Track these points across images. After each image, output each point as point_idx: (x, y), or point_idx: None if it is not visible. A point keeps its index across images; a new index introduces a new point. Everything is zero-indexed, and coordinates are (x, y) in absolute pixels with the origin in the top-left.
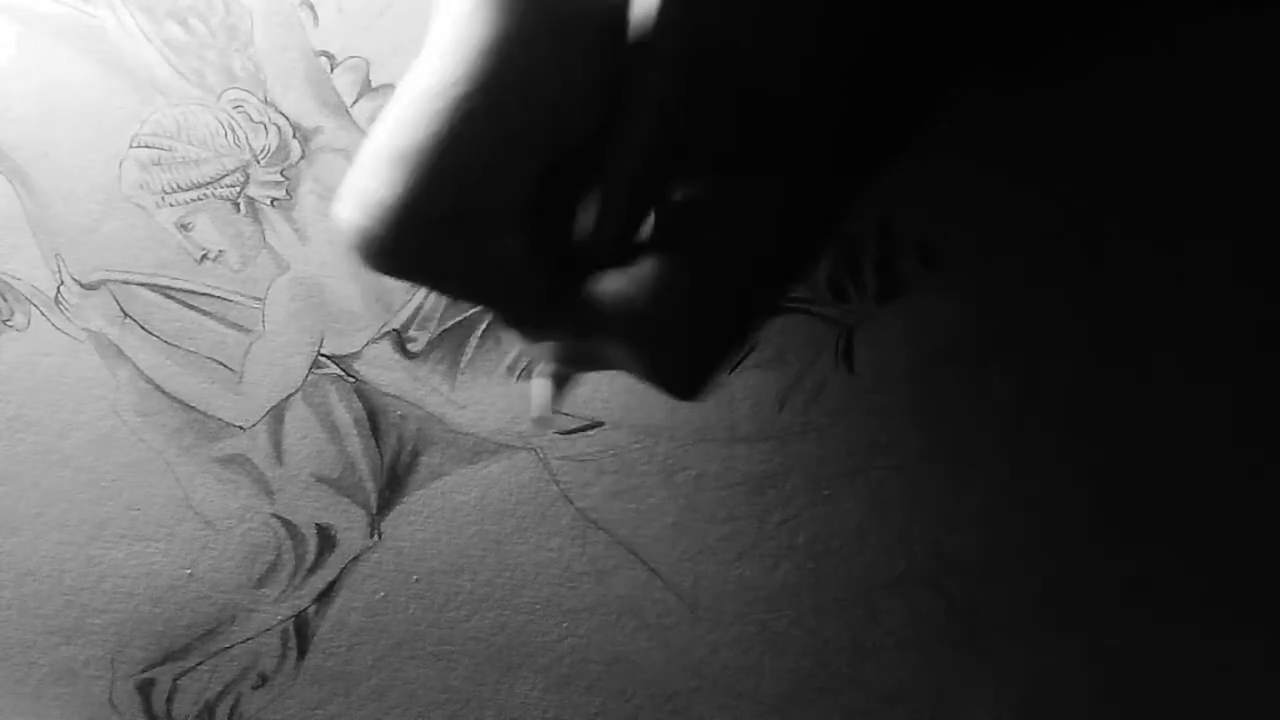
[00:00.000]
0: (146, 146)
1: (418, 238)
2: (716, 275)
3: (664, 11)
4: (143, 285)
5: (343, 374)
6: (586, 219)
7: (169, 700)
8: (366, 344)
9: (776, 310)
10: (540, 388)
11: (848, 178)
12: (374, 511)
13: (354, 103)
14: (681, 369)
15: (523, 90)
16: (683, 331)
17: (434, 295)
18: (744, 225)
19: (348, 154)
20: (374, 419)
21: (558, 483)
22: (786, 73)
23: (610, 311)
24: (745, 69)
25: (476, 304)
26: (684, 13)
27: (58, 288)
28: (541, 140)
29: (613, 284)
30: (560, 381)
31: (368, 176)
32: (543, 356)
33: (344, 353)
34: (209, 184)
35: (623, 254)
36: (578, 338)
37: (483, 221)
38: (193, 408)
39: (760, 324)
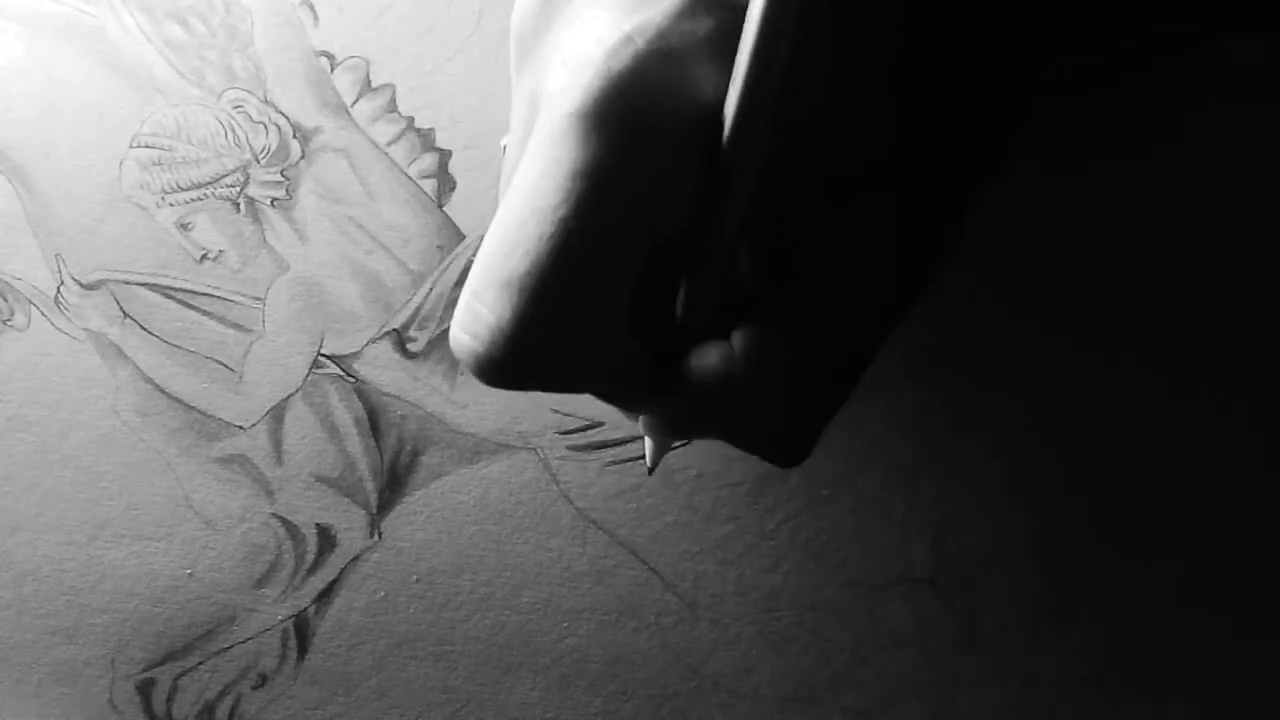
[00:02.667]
0: (146, 146)
1: (529, 358)
2: (799, 344)
3: (749, 102)
4: (143, 285)
5: (343, 374)
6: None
7: (169, 700)
8: (366, 344)
9: (868, 364)
10: (650, 447)
11: (924, 237)
12: (374, 511)
13: (354, 103)
14: (778, 438)
15: (617, 208)
16: (774, 403)
17: (434, 295)
18: (822, 291)
19: (348, 154)
20: (374, 419)
21: (558, 483)
22: (862, 143)
23: (706, 387)
24: (827, 145)
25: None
26: (770, 102)
27: (58, 288)
28: (636, 250)
29: (707, 359)
30: (664, 446)
31: (478, 303)
32: (647, 426)
33: (344, 353)
34: (209, 184)
35: (718, 330)
36: (680, 411)
37: (586, 332)
38: (193, 408)
39: (854, 384)
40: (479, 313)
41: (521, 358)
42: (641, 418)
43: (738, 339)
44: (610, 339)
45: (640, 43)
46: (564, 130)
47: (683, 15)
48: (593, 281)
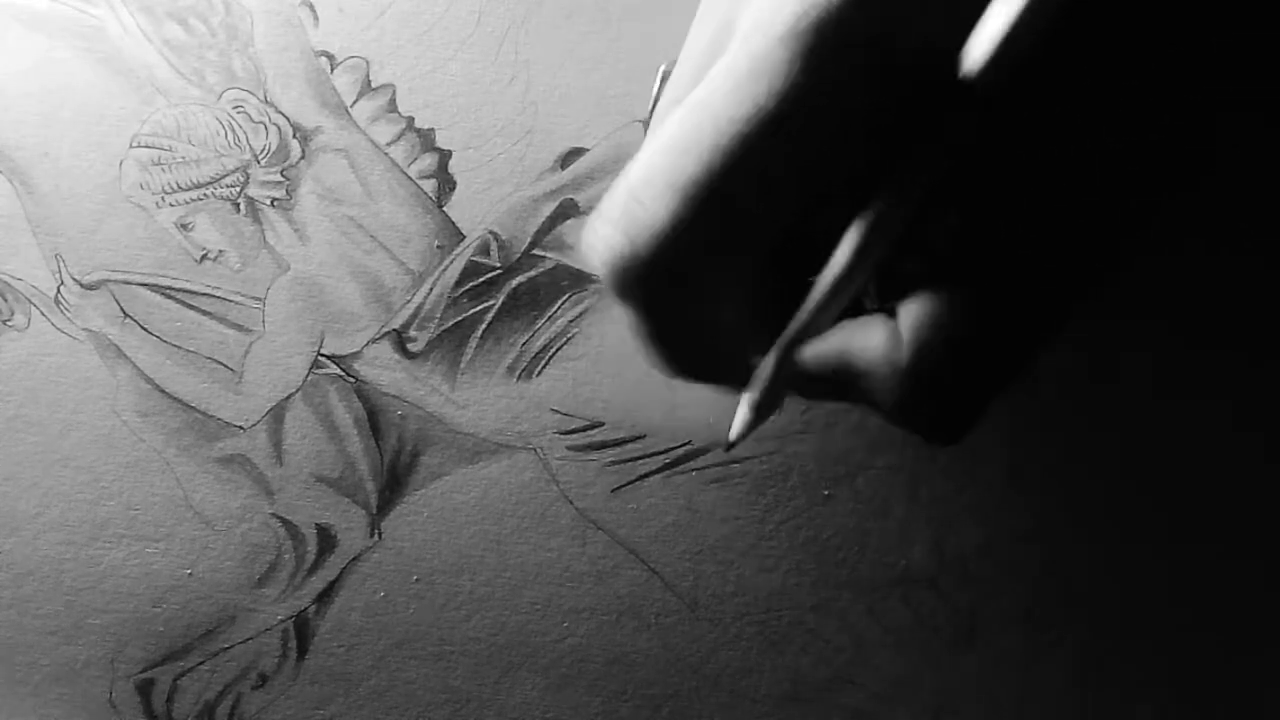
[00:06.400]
0: (146, 146)
1: (676, 263)
2: (988, 318)
3: (1005, 50)
4: (143, 285)
5: (343, 374)
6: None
7: (169, 700)
8: (366, 344)
9: (1049, 346)
10: (743, 415)
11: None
12: (374, 511)
13: (354, 103)
14: (948, 417)
15: (801, 138)
16: (953, 380)
17: (434, 295)
18: (1023, 257)
19: (348, 154)
20: (374, 419)
21: (558, 483)
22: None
23: (871, 367)
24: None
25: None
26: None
27: (58, 288)
28: (804, 188)
29: (871, 338)
30: (763, 412)
31: (635, 200)
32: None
33: (344, 353)
34: (209, 184)
35: (858, 309)
36: (827, 395)
37: (736, 256)
38: (193, 408)
39: (1033, 363)
40: (634, 210)
41: (668, 261)
42: (745, 393)
43: (913, 312)
44: (751, 276)
45: None
46: (768, 51)
47: None
48: (757, 205)
